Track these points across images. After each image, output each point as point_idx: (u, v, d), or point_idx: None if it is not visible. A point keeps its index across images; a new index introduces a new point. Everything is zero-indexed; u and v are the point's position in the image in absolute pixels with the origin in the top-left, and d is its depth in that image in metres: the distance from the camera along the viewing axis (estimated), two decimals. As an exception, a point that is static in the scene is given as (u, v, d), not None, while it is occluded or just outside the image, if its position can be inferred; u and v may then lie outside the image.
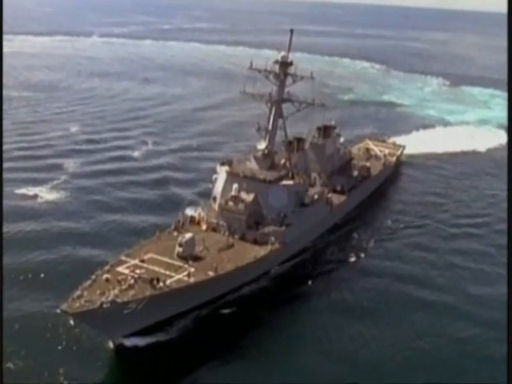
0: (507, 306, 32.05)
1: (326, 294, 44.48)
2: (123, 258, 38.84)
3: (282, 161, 51.77)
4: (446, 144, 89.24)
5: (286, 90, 51.95)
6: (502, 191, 67.20)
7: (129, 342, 35.11)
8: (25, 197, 58.00)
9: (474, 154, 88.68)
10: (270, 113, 52.03)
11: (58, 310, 30.76)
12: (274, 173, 49.02)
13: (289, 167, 51.68)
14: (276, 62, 51.59)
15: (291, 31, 52.17)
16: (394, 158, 75.92)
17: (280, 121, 52.07)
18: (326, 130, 63.15)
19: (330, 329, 39.60)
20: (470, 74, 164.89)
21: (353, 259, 50.22)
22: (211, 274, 38.03)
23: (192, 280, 36.74)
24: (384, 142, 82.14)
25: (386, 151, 76.92)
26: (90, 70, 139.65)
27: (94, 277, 34.94)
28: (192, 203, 56.20)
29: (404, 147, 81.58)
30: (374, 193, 68.00)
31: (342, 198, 58.68)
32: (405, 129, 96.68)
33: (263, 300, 42.64)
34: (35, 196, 58.42)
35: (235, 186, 46.94)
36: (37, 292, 40.27)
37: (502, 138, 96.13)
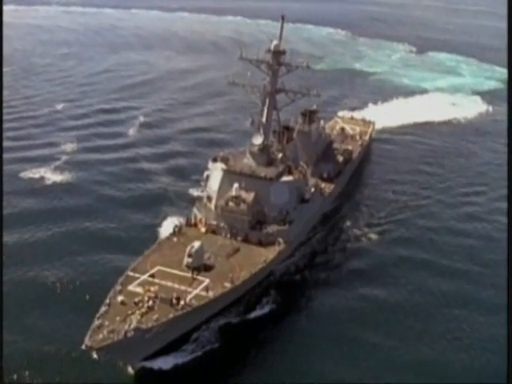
0: (507, 309, 32.31)
1: (337, 288, 44.21)
2: (130, 273, 37.12)
3: (280, 155, 50.09)
4: (424, 114, 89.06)
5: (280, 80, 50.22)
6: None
7: (148, 365, 33.96)
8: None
9: (455, 123, 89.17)
10: (264, 105, 50.30)
11: (83, 347, 29.06)
12: (273, 169, 47.47)
13: (285, 161, 50.20)
14: (268, 51, 49.47)
15: (282, 18, 50.05)
16: (367, 137, 73.76)
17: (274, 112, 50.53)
18: (310, 116, 60.87)
19: (354, 324, 39.75)
20: (433, 39, 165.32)
21: (355, 246, 50.22)
22: (228, 285, 37.06)
23: (211, 294, 35.74)
24: (353, 118, 79.80)
25: (358, 129, 74.64)
26: (65, 42, 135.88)
27: (107, 301, 33.22)
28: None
29: (374, 123, 78.74)
30: (353, 175, 66.67)
31: (331, 185, 57.48)
32: (382, 98, 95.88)
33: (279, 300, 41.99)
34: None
35: (236, 185, 45.13)
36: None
37: (478, 104, 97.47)
